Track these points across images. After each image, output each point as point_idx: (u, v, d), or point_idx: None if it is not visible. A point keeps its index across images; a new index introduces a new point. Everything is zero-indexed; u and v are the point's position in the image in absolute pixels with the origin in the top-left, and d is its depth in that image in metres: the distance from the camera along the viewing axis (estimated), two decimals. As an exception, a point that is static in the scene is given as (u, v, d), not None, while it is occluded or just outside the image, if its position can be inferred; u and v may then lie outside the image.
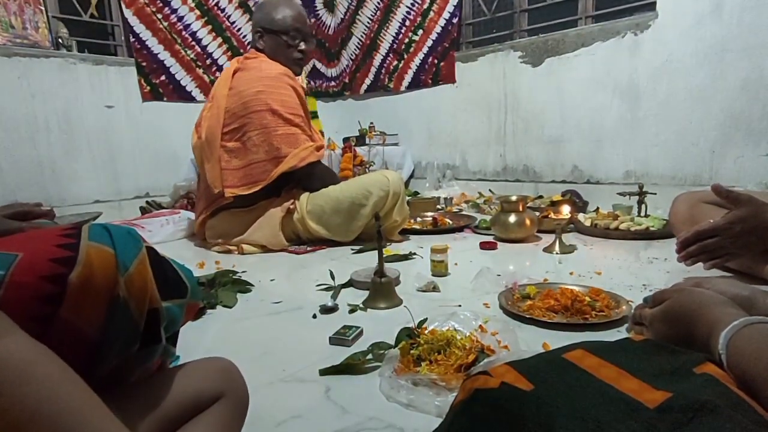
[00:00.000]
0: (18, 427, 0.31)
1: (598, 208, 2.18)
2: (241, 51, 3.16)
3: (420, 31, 3.19)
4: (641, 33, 2.28)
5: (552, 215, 1.89)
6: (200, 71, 3.05)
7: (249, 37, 3.06)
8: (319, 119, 3.73)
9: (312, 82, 3.86)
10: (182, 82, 2.99)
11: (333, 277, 1.33)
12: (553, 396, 0.43)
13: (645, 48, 2.27)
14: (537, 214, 1.95)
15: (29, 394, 0.32)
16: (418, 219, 2.25)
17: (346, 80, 3.71)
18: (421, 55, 3.21)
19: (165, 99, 2.93)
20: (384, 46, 3.42)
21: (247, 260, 1.70)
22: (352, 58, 3.63)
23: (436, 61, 3.14)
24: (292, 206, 1.85)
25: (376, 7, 3.40)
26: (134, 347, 0.45)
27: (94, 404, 0.35)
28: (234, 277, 1.41)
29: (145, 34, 2.82)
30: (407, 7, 3.23)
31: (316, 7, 3.72)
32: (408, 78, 3.32)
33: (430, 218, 2.22)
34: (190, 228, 2.12)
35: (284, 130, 1.79)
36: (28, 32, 2.44)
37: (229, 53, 3.15)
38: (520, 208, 1.81)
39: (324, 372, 0.83)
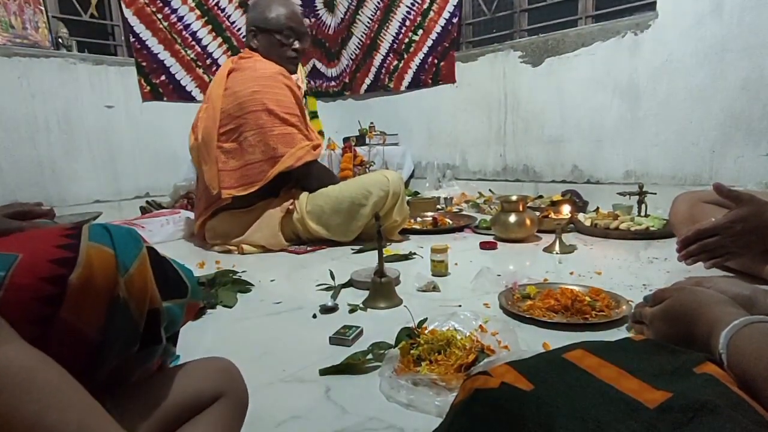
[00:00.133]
0: None
1: (598, 208, 2.18)
2: (241, 50, 3.15)
3: (420, 31, 3.19)
4: (641, 33, 2.28)
5: (552, 215, 1.89)
6: (200, 71, 3.05)
7: (249, 37, 3.06)
8: (319, 119, 3.73)
9: (312, 82, 3.86)
10: (182, 82, 2.99)
11: (333, 277, 1.33)
12: (553, 396, 0.43)
13: (645, 48, 2.27)
14: (537, 214, 1.95)
15: (30, 402, 0.31)
16: (418, 219, 2.25)
17: (346, 80, 3.71)
18: (421, 55, 3.21)
19: (165, 99, 2.93)
20: (384, 46, 3.42)
21: (247, 260, 1.70)
22: (352, 58, 3.63)
23: (436, 61, 3.14)
24: (291, 206, 1.85)
25: (376, 7, 3.40)
26: (134, 348, 0.45)
27: (95, 411, 0.35)
28: (234, 277, 1.41)
29: (145, 34, 2.81)
30: (407, 6, 3.23)
31: (316, 7, 3.72)
32: (408, 78, 3.32)
33: (430, 218, 2.22)
34: (189, 228, 2.12)
35: (280, 129, 1.78)
36: (28, 32, 2.44)
37: (229, 53, 3.14)
38: (520, 208, 1.81)
39: (324, 372, 0.83)
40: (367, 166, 2.94)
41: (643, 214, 2.01)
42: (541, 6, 2.74)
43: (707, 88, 2.11)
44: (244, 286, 1.35)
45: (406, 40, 3.27)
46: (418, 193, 3.05)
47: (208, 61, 3.09)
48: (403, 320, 0.98)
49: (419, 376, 0.75)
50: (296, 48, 1.92)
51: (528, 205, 1.98)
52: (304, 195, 1.87)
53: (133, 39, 2.78)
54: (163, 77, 2.90)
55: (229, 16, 3.17)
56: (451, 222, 2.17)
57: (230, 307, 1.20)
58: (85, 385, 0.36)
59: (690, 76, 2.15)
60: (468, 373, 0.71)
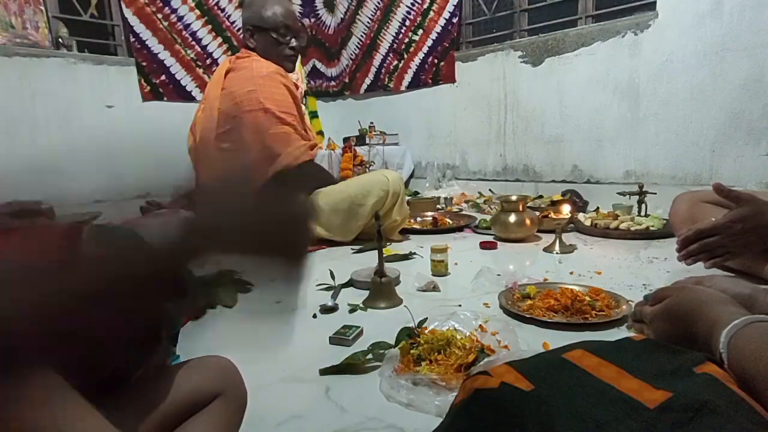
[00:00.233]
0: None
1: (598, 207, 2.17)
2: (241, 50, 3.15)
3: (420, 31, 3.19)
4: (641, 33, 2.27)
5: (552, 215, 1.89)
6: (200, 71, 3.05)
7: (249, 37, 3.06)
8: (319, 119, 3.73)
9: (312, 82, 3.86)
10: (182, 82, 2.99)
11: (333, 277, 1.33)
12: (553, 396, 0.43)
13: (645, 48, 2.27)
14: (537, 213, 1.95)
15: None
16: (418, 219, 2.25)
17: (346, 80, 3.71)
18: (421, 55, 3.21)
19: (165, 99, 2.93)
20: (384, 46, 3.41)
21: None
22: (352, 57, 3.63)
23: (436, 61, 3.14)
24: (291, 206, 1.84)
25: (376, 6, 3.40)
26: (135, 349, 0.45)
27: None
28: (234, 276, 1.41)
29: (145, 34, 2.81)
30: (407, 6, 3.22)
31: (316, 7, 3.72)
32: (408, 78, 3.32)
33: (430, 218, 2.22)
34: (190, 228, 2.12)
35: (277, 129, 1.78)
36: (28, 32, 2.44)
37: (229, 53, 3.14)
38: (520, 208, 1.81)
39: (324, 372, 0.83)
40: (367, 165, 2.94)
41: (643, 214, 2.01)
42: (541, 6, 2.73)
43: (707, 88, 2.11)
44: (244, 286, 1.34)
45: (406, 40, 3.27)
46: (418, 193, 3.05)
47: (208, 61, 3.09)
48: (403, 320, 0.98)
49: (419, 375, 0.75)
50: (293, 46, 1.92)
51: (528, 205, 1.98)
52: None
53: (133, 39, 2.78)
54: (163, 77, 2.90)
55: (229, 16, 3.17)
56: (451, 222, 2.17)
57: (230, 307, 1.20)
58: (85, 386, 0.36)
59: (690, 76, 2.15)
60: (468, 373, 0.71)
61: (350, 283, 1.33)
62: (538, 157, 2.75)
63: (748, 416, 0.38)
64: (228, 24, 3.17)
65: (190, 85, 3.02)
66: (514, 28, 2.85)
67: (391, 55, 3.39)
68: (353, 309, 1.14)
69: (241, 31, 3.19)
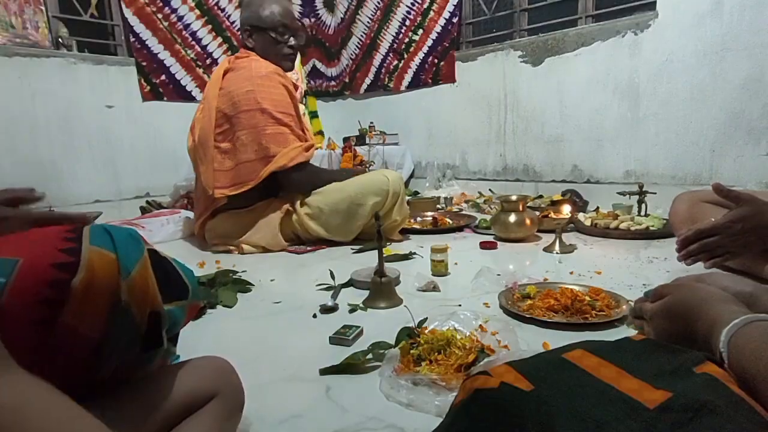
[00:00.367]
0: None
1: (598, 207, 2.17)
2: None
3: (420, 31, 3.19)
4: (641, 32, 2.27)
5: (552, 215, 1.89)
6: (200, 71, 3.05)
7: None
8: (319, 119, 3.73)
9: (312, 82, 3.85)
10: (182, 82, 2.99)
11: (333, 277, 1.33)
12: (553, 396, 0.43)
13: (645, 47, 2.27)
14: (537, 213, 1.95)
15: None
16: (418, 219, 2.25)
17: (346, 80, 3.71)
18: (421, 55, 3.21)
19: (165, 99, 2.93)
20: (384, 46, 3.41)
21: (247, 260, 1.70)
22: (352, 57, 3.63)
23: (436, 61, 3.14)
24: (290, 207, 1.85)
25: (376, 6, 3.40)
26: (136, 350, 0.45)
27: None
28: (234, 276, 1.41)
29: (145, 34, 2.81)
30: (407, 6, 3.23)
31: (316, 6, 3.72)
32: (408, 78, 3.32)
33: (430, 218, 2.22)
34: (189, 228, 2.12)
35: (273, 129, 1.77)
36: (28, 32, 2.44)
37: (229, 53, 3.14)
38: (520, 208, 1.81)
39: (324, 372, 0.83)
40: (367, 165, 2.94)
41: (643, 213, 2.01)
42: (541, 6, 2.73)
43: (707, 88, 2.11)
44: (244, 286, 1.35)
45: (406, 39, 3.27)
46: (418, 193, 3.05)
47: (208, 61, 3.09)
48: (403, 320, 0.98)
49: (419, 375, 0.75)
50: (292, 45, 1.92)
51: (528, 204, 1.98)
52: (303, 195, 1.86)
53: (133, 39, 2.78)
54: (163, 77, 2.90)
55: (229, 15, 3.17)
56: (451, 222, 2.17)
57: (230, 307, 1.20)
58: (85, 387, 0.35)
59: (690, 76, 2.15)
60: (468, 373, 0.71)
61: (350, 283, 1.33)
62: (538, 157, 2.75)
63: (748, 416, 0.38)
64: (228, 24, 3.17)
65: (190, 85, 3.02)
66: (514, 27, 2.85)
67: (391, 55, 3.39)
68: (353, 309, 1.14)
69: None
